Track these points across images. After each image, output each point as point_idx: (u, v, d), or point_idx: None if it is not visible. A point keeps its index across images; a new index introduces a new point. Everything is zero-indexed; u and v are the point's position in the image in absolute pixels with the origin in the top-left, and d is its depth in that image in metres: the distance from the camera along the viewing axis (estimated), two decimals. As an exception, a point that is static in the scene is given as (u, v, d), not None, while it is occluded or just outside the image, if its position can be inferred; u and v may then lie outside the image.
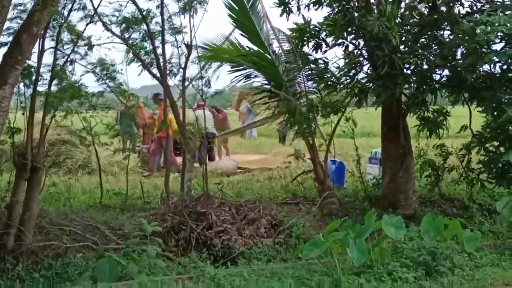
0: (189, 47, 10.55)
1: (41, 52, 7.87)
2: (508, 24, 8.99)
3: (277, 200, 11.91)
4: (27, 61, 7.22)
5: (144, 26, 10.36)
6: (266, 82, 12.07)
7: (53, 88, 8.42)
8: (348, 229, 7.46)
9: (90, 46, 9.14)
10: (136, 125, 17.01)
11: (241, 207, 9.58)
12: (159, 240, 7.69)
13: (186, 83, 11.01)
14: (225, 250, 8.40)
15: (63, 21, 8.38)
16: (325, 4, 11.01)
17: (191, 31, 10.45)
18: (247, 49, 11.75)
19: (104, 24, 10.03)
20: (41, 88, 8.24)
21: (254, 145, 25.40)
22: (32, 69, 7.89)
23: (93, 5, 9.71)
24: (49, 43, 8.29)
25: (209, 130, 14.18)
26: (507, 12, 9.35)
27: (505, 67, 9.98)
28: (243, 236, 8.76)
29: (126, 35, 10.47)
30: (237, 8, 11.36)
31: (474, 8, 10.90)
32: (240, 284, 6.62)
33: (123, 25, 10.31)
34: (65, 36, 8.78)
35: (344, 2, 10.56)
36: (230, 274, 6.97)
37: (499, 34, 9.15)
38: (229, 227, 8.79)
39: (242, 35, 11.77)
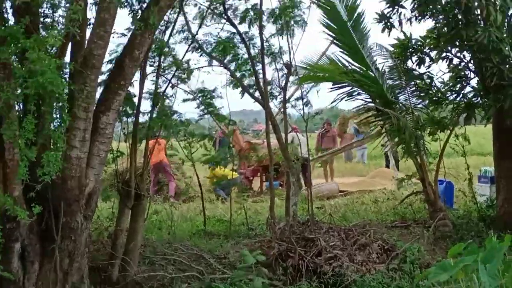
0: (288, 66, 10.24)
1: (143, 78, 7.72)
2: None
3: (386, 224, 11.40)
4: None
5: (241, 50, 10.19)
6: (370, 100, 11.66)
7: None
8: (474, 253, 6.86)
9: (189, 72, 8.95)
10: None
11: (351, 231, 9.13)
12: (264, 270, 7.36)
13: (287, 104, 10.64)
14: (336, 278, 7.91)
15: (163, 47, 8.21)
16: (427, 17, 10.56)
17: (289, 51, 10.15)
18: (348, 66, 11.42)
19: (202, 49, 9.86)
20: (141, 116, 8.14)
21: (349, 167, 24.88)
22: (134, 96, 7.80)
23: (190, 31, 9.59)
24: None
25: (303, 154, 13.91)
26: None
27: None
28: (354, 262, 8.25)
29: (223, 58, 10.28)
30: (335, 27, 11.04)
31: None
32: (359, 315, 6.15)
33: (221, 49, 10.11)
34: (164, 61, 8.66)
35: (450, 14, 10.04)
36: (347, 304, 6.50)
37: None
38: (339, 253, 8.34)
39: (342, 52, 11.39)
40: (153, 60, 8.26)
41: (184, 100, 9.38)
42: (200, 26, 9.67)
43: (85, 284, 6.33)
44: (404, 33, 11.09)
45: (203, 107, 9.58)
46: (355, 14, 10.96)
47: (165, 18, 8.11)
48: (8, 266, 5.64)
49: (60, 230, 5.85)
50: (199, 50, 9.82)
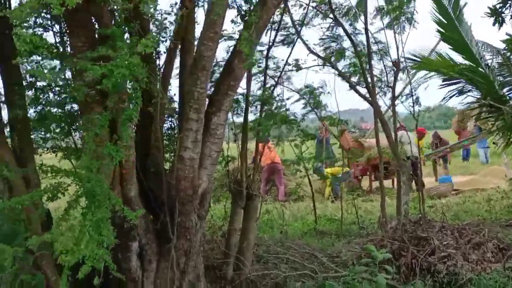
0: (396, 64, 10.06)
1: (249, 78, 7.77)
2: None
3: (500, 223, 10.99)
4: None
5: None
6: (480, 97, 11.30)
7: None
8: None
9: (297, 69, 8.95)
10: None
11: (464, 230, 8.85)
12: (389, 268, 7.25)
13: (396, 102, 10.46)
14: (450, 277, 7.70)
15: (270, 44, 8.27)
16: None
17: (397, 47, 9.97)
18: (457, 62, 11.10)
19: (308, 47, 9.84)
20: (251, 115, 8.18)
21: (459, 166, 24.20)
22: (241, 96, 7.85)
23: (295, 29, 9.57)
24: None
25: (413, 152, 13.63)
26: None
27: None
28: (469, 261, 8.01)
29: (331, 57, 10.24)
30: (445, 21, 10.76)
31: None
32: (478, 314, 5.95)
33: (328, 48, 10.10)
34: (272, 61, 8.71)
35: None
36: (465, 303, 6.32)
37: None
38: (453, 252, 8.12)
39: (451, 49, 11.10)
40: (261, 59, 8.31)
41: (288, 99, 9.42)
42: (302, 25, 9.65)
43: (201, 282, 6.43)
44: (515, 28, 10.74)
45: (309, 107, 9.54)
46: (458, 9, 10.71)
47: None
48: (127, 264, 5.84)
49: (176, 230, 5.97)
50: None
